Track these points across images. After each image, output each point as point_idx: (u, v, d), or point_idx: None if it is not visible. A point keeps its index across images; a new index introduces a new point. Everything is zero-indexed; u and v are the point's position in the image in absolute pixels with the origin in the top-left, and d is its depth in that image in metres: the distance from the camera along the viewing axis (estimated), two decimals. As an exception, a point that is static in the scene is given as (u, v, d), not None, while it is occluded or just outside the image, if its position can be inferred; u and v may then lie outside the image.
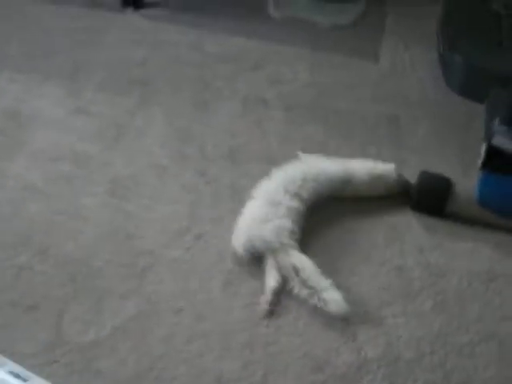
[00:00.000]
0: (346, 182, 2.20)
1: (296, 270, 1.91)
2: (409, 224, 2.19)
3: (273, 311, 1.87)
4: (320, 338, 1.82)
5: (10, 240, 2.03)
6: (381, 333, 1.85)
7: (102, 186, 2.23)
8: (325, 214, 2.17)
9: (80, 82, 2.69)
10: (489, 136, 2.11)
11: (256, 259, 1.98)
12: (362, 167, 2.23)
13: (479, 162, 2.13)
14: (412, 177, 2.28)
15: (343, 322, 1.86)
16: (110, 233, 2.07)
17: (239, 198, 2.19)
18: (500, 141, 2.07)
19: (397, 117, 2.64)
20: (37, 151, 2.34)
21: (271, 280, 1.93)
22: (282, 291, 1.91)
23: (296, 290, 1.90)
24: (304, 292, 1.89)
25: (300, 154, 2.33)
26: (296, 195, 2.08)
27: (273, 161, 2.34)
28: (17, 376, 1.33)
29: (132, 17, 3.16)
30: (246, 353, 1.77)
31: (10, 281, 1.91)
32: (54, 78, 2.69)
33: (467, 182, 2.29)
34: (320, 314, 1.87)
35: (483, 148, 2.11)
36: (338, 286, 1.92)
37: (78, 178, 2.25)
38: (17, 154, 2.32)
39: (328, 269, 1.97)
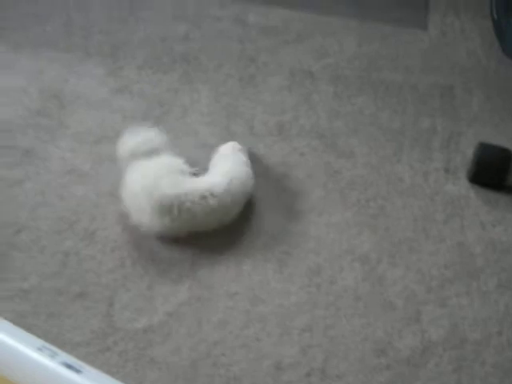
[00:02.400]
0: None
1: None
2: (468, 198, 2.11)
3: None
4: (381, 320, 1.76)
5: (55, 225, 1.97)
6: (445, 313, 1.79)
7: (148, 167, 2.16)
8: (378, 192, 2.10)
9: (121, 59, 2.62)
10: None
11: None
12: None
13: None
14: (470, 149, 2.21)
15: (405, 302, 1.79)
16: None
17: (290, 175, 2.13)
18: None
19: (450, 87, 2.54)
20: (80, 133, 2.27)
21: None
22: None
23: None
24: None
25: None
26: None
27: (323, 135, 2.28)
28: (69, 367, 1.26)
29: (171, -9, 3.07)
30: (305, 337, 1.71)
31: (57, 267, 1.86)
32: (94, 57, 2.62)
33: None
34: (380, 293, 1.80)
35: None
36: (397, 263, 1.88)
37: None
38: (60, 137, 2.25)
39: (386, 244, 1.93)
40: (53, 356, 1.29)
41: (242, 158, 2.09)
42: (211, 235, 1.94)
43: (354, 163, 2.19)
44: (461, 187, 2.14)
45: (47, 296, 1.78)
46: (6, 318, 1.09)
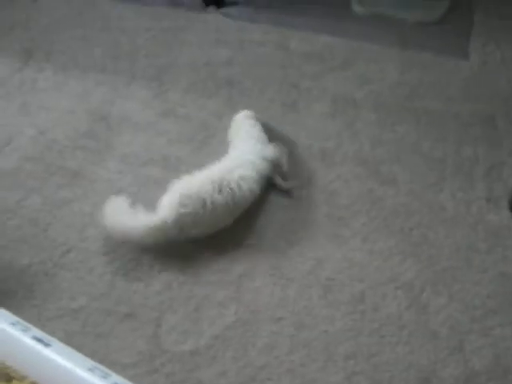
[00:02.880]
0: None
1: None
2: (510, 228, 2.11)
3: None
4: (425, 348, 1.77)
5: (103, 246, 2.02)
6: (488, 343, 1.79)
7: (193, 190, 2.19)
8: (421, 220, 2.12)
9: (166, 83, 2.66)
10: None
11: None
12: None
13: None
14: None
15: (448, 331, 1.80)
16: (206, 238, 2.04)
17: (334, 201, 2.15)
18: None
19: (492, 116, 2.54)
20: (127, 155, 2.32)
21: None
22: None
23: None
24: None
25: None
26: None
27: (366, 162, 2.30)
28: (121, 388, 1.28)
29: (214, 16, 3.10)
30: (349, 364, 1.73)
31: (105, 288, 1.90)
32: (139, 80, 2.67)
33: None
34: (424, 321, 1.81)
35: None
36: (441, 292, 1.90)
37: (168, 182, 2.19)
38: (107, 158, 2.30)
39: (430, 273, 1.94)
40: (105, 377, 1.32)
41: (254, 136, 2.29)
42: (256, 259, 1.98)
43: (397, 191, 2.21)
44: (502, 217, 2.14)
45: (95, 316, 1.82)
46: (55, 337, 1.12)
